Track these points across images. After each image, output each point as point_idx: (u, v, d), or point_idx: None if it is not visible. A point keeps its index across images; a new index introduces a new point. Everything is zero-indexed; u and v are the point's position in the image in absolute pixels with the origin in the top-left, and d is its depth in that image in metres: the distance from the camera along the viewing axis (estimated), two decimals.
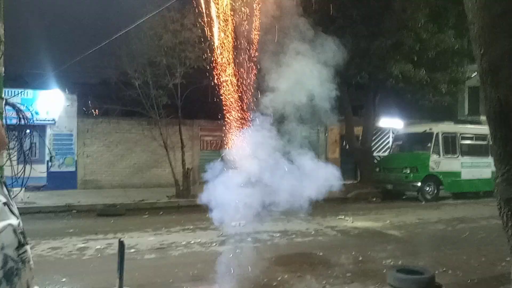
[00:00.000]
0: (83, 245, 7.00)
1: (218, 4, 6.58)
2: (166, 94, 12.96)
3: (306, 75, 4.89)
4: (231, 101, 6.06)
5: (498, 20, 1.95)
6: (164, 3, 11.10)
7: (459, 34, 13.71)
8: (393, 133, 19.15)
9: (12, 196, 1.51)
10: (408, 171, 13.91)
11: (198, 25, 11.72)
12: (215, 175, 4.67)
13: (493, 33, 1.93)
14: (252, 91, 5.84)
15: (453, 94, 16.14)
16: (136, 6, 12.25)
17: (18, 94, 14.15)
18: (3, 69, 3.81)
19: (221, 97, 6.27)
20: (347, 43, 9.26)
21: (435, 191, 13.84)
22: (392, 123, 19.21)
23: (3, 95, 4.06)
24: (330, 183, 4.83)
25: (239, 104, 5.96)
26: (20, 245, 1.38)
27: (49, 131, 15.06)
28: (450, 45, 13.64)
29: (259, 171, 4.70)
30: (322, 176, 4.79)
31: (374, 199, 14.06)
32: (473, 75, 15.43)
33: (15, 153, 9.07)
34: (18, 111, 8.37)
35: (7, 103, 6.96)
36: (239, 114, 5.83)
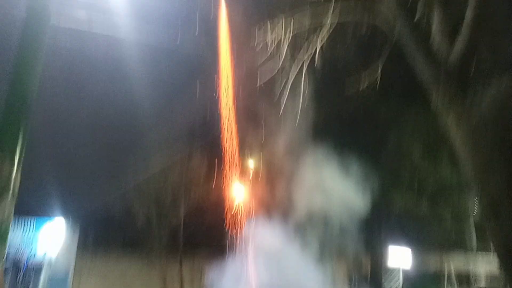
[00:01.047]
0: None
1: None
2: (169, 229, 12.89)
3: (311, 210, 4.96)
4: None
5: (488, 162, 2.04)
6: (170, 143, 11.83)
7: (455, 168, 14.09)
8: (403, 271, 18.26)
9: None
10: None
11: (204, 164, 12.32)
12: None
13: (486, 174, 2.01)
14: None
15: (458, 229, 15.89)
16: (144, 142, 13.02)
17: (21, 228, 14.00)
18: (12, 216, 3.86)
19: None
20: (345, 178, 9.60)
21: None
22: (400, 261, 18.40)
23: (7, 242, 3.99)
24: None
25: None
26: None
27: (44, 272, 14.39)
28: (448, 181, 13.91)
29: None
30: None
31: None
32: (474, 212, 15.39)
33: None
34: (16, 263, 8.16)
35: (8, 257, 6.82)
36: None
